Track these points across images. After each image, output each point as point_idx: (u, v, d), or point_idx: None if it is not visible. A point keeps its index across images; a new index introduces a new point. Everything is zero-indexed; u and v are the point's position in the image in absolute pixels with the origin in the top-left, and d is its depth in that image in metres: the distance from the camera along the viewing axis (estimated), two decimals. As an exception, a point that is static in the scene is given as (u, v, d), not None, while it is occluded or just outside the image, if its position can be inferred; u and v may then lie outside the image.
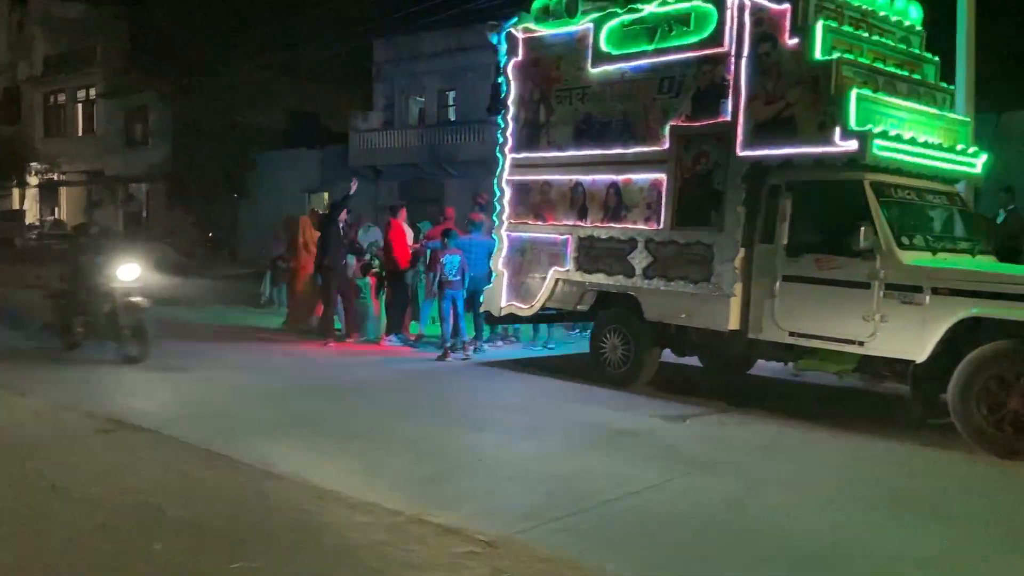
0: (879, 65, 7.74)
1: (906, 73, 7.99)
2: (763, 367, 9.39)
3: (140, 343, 9.33)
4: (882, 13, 8.20)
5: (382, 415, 7.55)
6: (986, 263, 7.38)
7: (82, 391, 8.14)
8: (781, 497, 5.42)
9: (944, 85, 8.46)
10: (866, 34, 7.87)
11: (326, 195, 30.31)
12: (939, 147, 7.70)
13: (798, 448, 6.67)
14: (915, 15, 8.57)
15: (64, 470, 5.58)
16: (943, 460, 6.43)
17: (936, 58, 8.51)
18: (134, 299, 9.37)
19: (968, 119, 8.39)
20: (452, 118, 28.89)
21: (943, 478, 6.06)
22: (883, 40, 8.04)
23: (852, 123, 7.04)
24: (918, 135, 7.47)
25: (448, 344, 10.51)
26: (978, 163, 8.04)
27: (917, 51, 8.42)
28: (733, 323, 7.92)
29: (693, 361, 9.69)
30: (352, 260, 11.93)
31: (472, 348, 10.74)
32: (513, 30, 9.85)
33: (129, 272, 9.46)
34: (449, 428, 7.05)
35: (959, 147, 7.94)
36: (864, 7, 8.02)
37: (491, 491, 5.44)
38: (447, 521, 4.72)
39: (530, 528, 4.69)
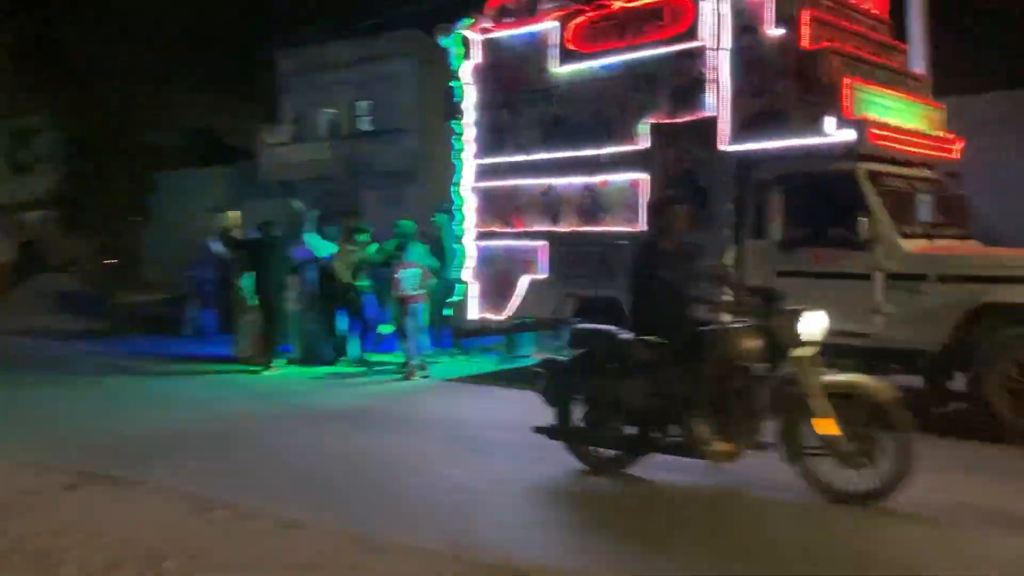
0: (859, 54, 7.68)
1: (882, 62, 7.96)
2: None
3: (884, 462, 4.99)
4: (853, 2, 8.15)
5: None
6: (980, 247, 7.38)
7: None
8: (852, 512, 5.01)
9: (916, 72, 8.49)
10: (844, 23, 7.80)
11: (238, 213, 29.12)
12: (922, 134, 7.68)
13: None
14: (882, 4, 8.56)
15: None
16: (985, 452, 6.27)
17: (905, 47, 8.53)
18: (848, 377, 5.24)
19: (943, 106, 8.40)
20: (366, 128, 28.18)
21: (987, 474, 5.82)
22: (858, 29, 7.99)
23: (847, 112, 6.92)
24: (904, 123, 7.43)
25: (415, 362, 10.00)
26: (955, 149, 8.08)
27: (887, 40, 8.41)
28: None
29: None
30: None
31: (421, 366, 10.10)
32: (467, 32, 9.46)
33: (817, 323, 5.18)
34: (454, 455, 6.58)
35: (939, 133, 7.95)
36: (838, -4, 7.96)
37: (526, 520, 5.01)
38: (491, 559, 4.27)
39: (587, 565, 4.29)
